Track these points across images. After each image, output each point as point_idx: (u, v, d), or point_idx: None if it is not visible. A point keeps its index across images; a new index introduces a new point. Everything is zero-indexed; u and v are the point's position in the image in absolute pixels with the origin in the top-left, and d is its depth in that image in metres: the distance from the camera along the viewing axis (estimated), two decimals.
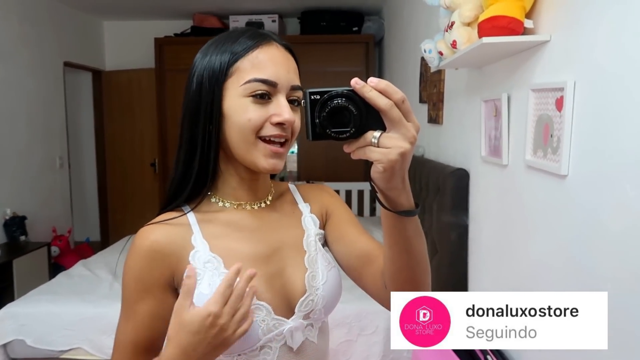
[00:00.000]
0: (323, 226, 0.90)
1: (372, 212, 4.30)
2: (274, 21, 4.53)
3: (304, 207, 0.90)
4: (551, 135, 1.26)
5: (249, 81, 0.73)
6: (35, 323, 2.20)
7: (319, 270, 0.83)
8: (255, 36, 0.76)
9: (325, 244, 0.91)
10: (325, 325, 0.88)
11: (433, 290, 0.76)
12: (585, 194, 1.13)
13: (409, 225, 0.67)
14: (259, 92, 0.73)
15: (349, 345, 2.18)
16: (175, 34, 4.74)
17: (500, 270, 1.67)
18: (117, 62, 5.19)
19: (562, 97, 1.19)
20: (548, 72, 1.30)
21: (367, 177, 4.47)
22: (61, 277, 2.70)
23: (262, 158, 0.75)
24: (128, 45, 5.17)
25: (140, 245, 0.76)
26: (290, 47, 0.81)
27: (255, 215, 0.84)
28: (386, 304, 0.78)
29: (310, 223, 0.88)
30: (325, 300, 0.82)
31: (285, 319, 0.79)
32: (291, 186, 0.94)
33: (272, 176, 0.91)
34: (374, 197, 0.68)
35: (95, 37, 5.09)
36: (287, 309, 0.80)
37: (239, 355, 0.77)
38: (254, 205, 0.84)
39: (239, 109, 0.74)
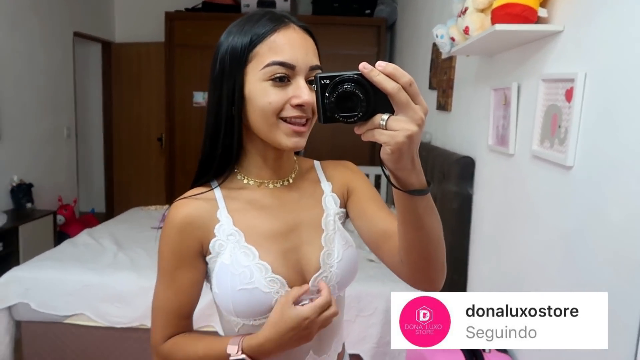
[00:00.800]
0: (344, 203, 0.94)
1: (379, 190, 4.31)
2: (285, 0, 4.49)
3: (325, 186, 0.94)
4: (559, 126, 1.26)
5: (267, 65, 0.76)
6: (40, 288, 2.24)
7: (334, 249, 0.87)
8: (274, 19, 0.79)
9: (346, 220, 0.94)
10: (341, 299, 0.91)
11: None
12: (589, 186, 1.13)
13: (419, 204, 0.68)
14: (278, 75, 0.76)
15: (346, 325, 2.21)
16: (187, 9, 4.70)
17: (500, 258, 1.69)
18: (127, 34, 5.17)
19: (572, 88, 1.19)
20: (559, 62, 1.29)
21: (372, 162, 4.49)
22: (66, 244, 2.74)
23: (284, 137, 0.79)
24: (138, 18, 5.13)
25: (174, 218, 0.82)
26: (308, 28, 0.83)
27: (276, 194, 0.88)
28: (403, 277, 0.82)
29: (330, 202, 0.92)
30: (339, 277, 0.86)
31: None
32: (316, 163, 0.98)
33: (297, 153, 0.96)
34: (379, 182, 0.69)
35: (105, 8, 5.06)
36: (301, 283, 0.84)
37: (255, 320, 0.82)
38: (277, 183, 0.89)
39: (259, 93, 0.77)
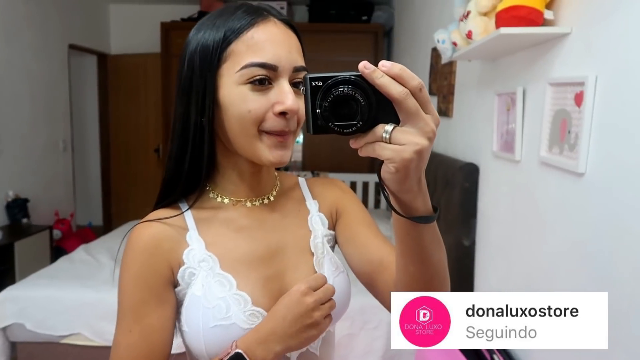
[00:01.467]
0: (333, 226, 0.83)
1: (377, 204, 4.27)
2: (282, 8, 4.46)
3: (311, 205, 0.83)
4: (569, 132, 1.22)
5: (245, 66, 0.65)
6: (35, 307, 2.19)
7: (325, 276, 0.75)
8: (251, 12, 0.68)
9: (334, 245, 0.84)
10: (331, 335, 0.81)
11: None
12: (603, 193, 1.09)
13: (425, 233, 0.59)
14: (257, 78, 0.65)
15: (350, 338, 2.15)
16: (182, 19, 4.68)
17: (508, 269, 1.64)
18: (122, 46, 5.15)
19: (582, 92, 1.14)
20: (568, 66, 1.25)
21: (372, 169, 4.44)
22: (62, 261, 2.68)
23: (266, 150, 0.68)
24: (134, 29, 5.11)
25: (137, 241, 0.70)
26: (290, 22, 0.72)
27: (255, 214, 0.77)
28: None
29: (317, 223, 0.81)
30: None
31: None
32: (300, 180, 0.87)
33: (278, 168, 0.83)
34: (381, 193, 0.62)
35: (101, 20, 5.04)
36: None
37: None
38: (255, 201, 0.78)
39: (236, 99, 0.66)
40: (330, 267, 0.77)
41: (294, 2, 4.77)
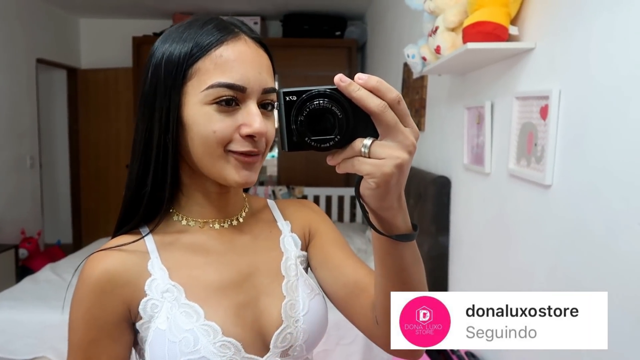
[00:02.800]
0: (306, 247, 0.80)
1: (352, 217, 4.27)
2: (255, 23, 4.47)
3: (283, 226, 0.79)
4: (535, 144, 1.24)
5: (211, 86, 0.61)
6: None
7: (299, 299, 0.72)
8: (221, 28, 0.64)
9: (307, 268, 0.80)
10: None
11: None
12: (569, 204, 1.10)
13: (405, 252, 0.57)
14: (224, 99, 0.62)
15: (326, 355, 2.12)
16: (154, 33, 4.65)
17: (480, 280, 1.65)
18: (93, 60, 5.06)
19: (547, 105, 1.17)
20: (533, 80, 1.28)
21: (348, 183, 4.46)
22: (26, 282, 2.58)
23: (232, 171, 0.64)
24: (105, 44, 5.04)
25: (89, 276, 0.65)
26: (262, 40, 0.69)
27: (224, 236, 0.73)
28: (378, 341, 0.69)
29: (290, 244, 0.77)
30: (307, 334, 0.71)
31: (258, 358, 0.68)
32: (270, 202, 0.83)
33: (246, 189, 0.80)
34: (355, 205, 0.61)
35: (71, 34, 4.95)
36: (261, 346, 0.68)
37: None
38: (223, 223, 0.73)
39: (201, 119, 0.62)
40: (305, 290, 0.73)
41: (268, 17, 4.79)
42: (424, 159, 2.39)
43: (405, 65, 2.74)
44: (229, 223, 0.74)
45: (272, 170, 4.73)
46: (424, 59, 1.68)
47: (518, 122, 1.33)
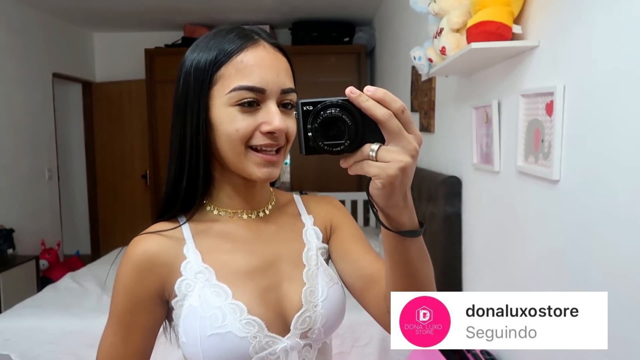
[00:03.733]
0: (327, 240, 0.86)
1: (366, 222, 4.28)
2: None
3: (306, 219, 0.85)
4: (542, 141, 1.25)
5: (234, 89, 0.69)
6: (20, 337, 2.14)
7: (318, 286, 0.78)
8: (242, 36, 0.71)
9: (329, 259, 0.86)
10: (327, 347, 0.82)
11: None
12: (577, 199, 1.11)
13: (412, 247, 0.62)
14: (246, 100, 0.69)
15: (341, 357, 2.14)
16: (166, 45, 4.73)
17: (494, 278, 1.65)
18: (107, 73, 5.17)
19: (552, 101, 1.18)
20: (537, 77, 1.29)
21: (360, 187, 4.47)
22: (47, 290, 2.64)
23: (254, 167, 0.71)
24: (118, 57, 5.15)
25: (132, 255, 0.73)
26: (280, 45, 0.76)
27: (251, 226, 0.80)
28: (389, 329, 0.73)
29: (312, 236, 0.83)
30: (325, 318, 0.76)
31: (279, 337, 0.73)
32: (296, 197, 0.90)
33: (272, 184, 0.88)
34: (368, 209, 0.65)
35: (85, 48, 5.07)
36: (282, 326, 0.74)
37: None
38: (251, 214, 0.80)
39: (225, 119, 0.70)
40: (324, 278, 0.79)
41: (277, 25, 4.85)
42: (434, 160, 2.41)
43: (414, 68, 2.76)
44: (256, 214, 0.81)
45: (286, 177, 4.77)
46: (430, 60, 1.70)
47: (525, 120, 1.35)
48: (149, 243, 0.74)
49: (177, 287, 0.73)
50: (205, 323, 0.70)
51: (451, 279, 1.96)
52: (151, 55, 4.60)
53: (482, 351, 1.59)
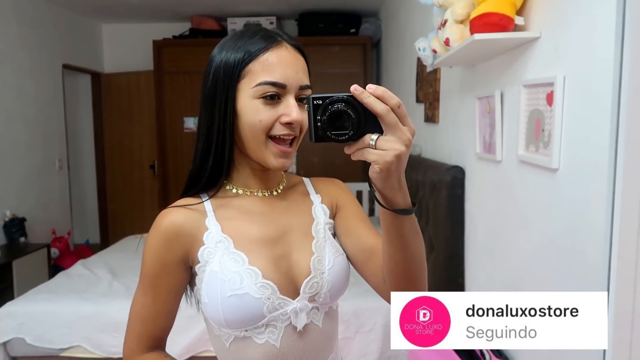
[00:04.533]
0: (333, 217, 0.94)
1: (371, 212, 4.32)
2: (271, 23, 4.55)
3: (315, 198, 0.94)
4: (542, 130, 1.28)
5: (259, 84, 0.77)
6: (34, 322, 2.21)
7: (325, 256, 0.86)
8: (267, 38, 0.80)
9: (334, 235, 0.94)
10: (333, 312, 0.90)
11: (430, 286, 0.80)
12: (575, 187, 1.14)
13: (405, 223, 0.71)
14: (269, 94, 0.78)
15: (346, 342, 2.19)
16: (174, 36, 4.76)
17: (495, 265, 1.69)
18: (115, 64, 5.21)
19: (552, 92, 1.21)
20: (539, 67, 1.32)
21: (364, 178, 4.51)
22: (60, 276, 2.71)
23: (271, 157, 0.80)
24: (127, 48, 5.19)
25: (159, 225, 0.82)
26: (299, 46, 0.85)
27: (266, 202, 0.89)
28: (385, 297, 0.83)
29: (320, 212, 0.92)
30: (331, 284, 0.85)
31: (290, 300, 0.82)
32: (305, 179, 0.99)
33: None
34: (372, 198, 0.71)
35: (94, 39, 5.11)
36: (292, 291, 0.83)
37: (246, 330, 0.81)
38: (265, 192, 0.89)
39: (250, 110, 0.78)
40: (331, 249, 0.88)
41: (283, 17, 4.86)
42: (438, 150, 2.44)
43: (419, 59, 2.78)
44: (269, 193, 0.90)
45: (292, 168, 4.81)
46: (434, 51, 1.73)
47: (526, 109, 1.38)
48: (176, 215, 0.83)
49: (200, 254, 0.82)
50: (225, 286, 0.79)
51: (453, 265, 2.00)
52: (159, 46, 4.63)
53: (493, 351, 1.60)
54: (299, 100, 0.81)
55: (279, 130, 0.79)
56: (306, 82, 0.82)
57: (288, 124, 0.79)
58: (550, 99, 1.23)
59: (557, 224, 1.23)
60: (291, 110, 0.78)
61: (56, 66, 4.40)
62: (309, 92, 0.82)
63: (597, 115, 1.04)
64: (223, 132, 0.81)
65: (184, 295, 0.87)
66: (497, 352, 1.60)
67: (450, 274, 2.00)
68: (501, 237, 1.63)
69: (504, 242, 1.61)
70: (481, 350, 1.61)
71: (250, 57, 0.79)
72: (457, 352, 1.63)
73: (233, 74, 0.79)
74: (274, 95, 0.78)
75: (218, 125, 0.81)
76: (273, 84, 0.78)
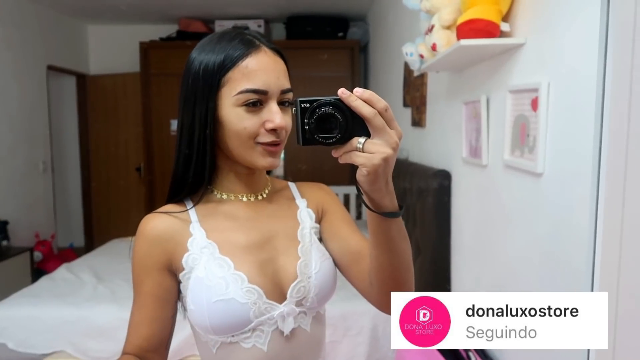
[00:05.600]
0: (319, 221, 0.94)
1: (359, 216, 4.32)
2: (259, 26, 4.56)
3: (300, 202, 0.94)
4: (527, 135, 1.30)
5: (241, 92, 0.77)
6: (17, 326, 2.17)
7: (312, 260, 0.86)
8: (246, 43, 0.80)
9: (320, 240, 0.94)
10: (321, 316, 0.90)
11: (417, 290, 0.79)
12: (559, 191, 1.16)
13: (392, 226, 0.71)
14: (251, 101, 0.77)
15: (333, 346, 2.19)
16: (161, 38, 4.73)
17: (481, 268, 1.71)
18: (101, 66, 5.16)
19: (537, 97, 1.23)
20: (524, 73, 1.34)
21: (351, 182, 4.52)
22: (43, 280, 2.67)
23: (260, 158, 0.80)
24: (113, 50, 5.14)
25: (142, 230, 0.82)
26: (279, 50, 0.84)
27: (251, 207, 0.88)
28: (371, 301, 0.83)
29: (306, 216, 0.92)
30: (318, 288, 0.85)
31: (277, 304, 0.82)
32: (290, 184, 0.99)
33: (268, 172, 0.96)
34: (359, 202, 0.71)
35: (79, 41, 5.06)
36: (279, 295, 0.82)
37: (232, 336, 0.80)
38: (250, 197, 0.89)
39: (234, 118, 0.78)
40: (317, 253, 0.87)
41: (271, 20, 4.86)
42: (425, 154, 2.45)
43: (406, 64, 2.79)
44: (254, 197, 0.90)
45: (279, 171, 4.80)
46: (421, 56, 1.75)
47: (512, 115, 1.39)
48: (158, 220, 0.83)
49: (185, 261, 0.82)
50: (211, 291, 0.78)
51: (440, 268, 2.01)
52: (146, 48, 4.60)
53: (477, 351, 1.61)
54: (281, 103, 0.81)
55: (264, 138, 0.79)
56: (287, 85, 0.82)
57: (272, 130, 0.79)
58: (535, 104, 1.25)
59: (541, 227, 1.25)
60: (274, 117, 0.78)
61: (41, 67, 4.35)
62: (290, 95, 0.82)
63: (581, 120, 1.06)
64: (204, 140, 0.80)
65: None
66: (482, 353, 1.62)
67: (437, 277, 2.01)
68: (487, 240, 1.64)
69: (490, 245, 1.62)
70: (466, 351, 1.62)
71: (231, 64, 0.78)
72: (442, 352, 1.64)
73: (213, 83, 0.78)
74: (256, 102, 0.78)
75: (199, 134, 0.80)
76: (254, 91, 0.77)
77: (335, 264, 0.89)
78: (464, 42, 1.33)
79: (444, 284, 2.02)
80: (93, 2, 4.30)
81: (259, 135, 0.79)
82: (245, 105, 0.77)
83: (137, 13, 4.66)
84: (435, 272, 2.01)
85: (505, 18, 1.37)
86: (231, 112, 0.78)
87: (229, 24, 4.53)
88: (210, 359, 0.84)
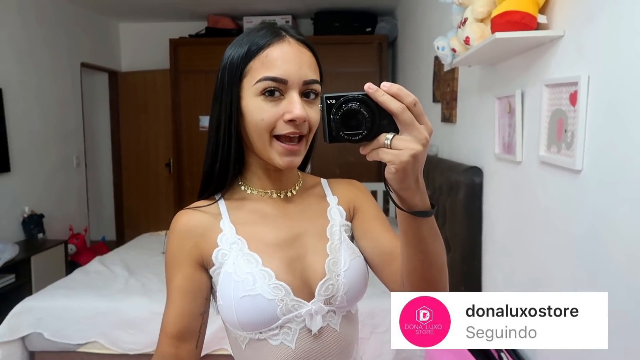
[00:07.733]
0: (350, 219, 0.92)
1: (386, 212, 4.30)
2: (287, 22, 4.55)
3: (331, 199, 0.92)
4: (565, 130, 1.26)
5: (259, 80, 0.76)
6: (52, 317, 2.24)
7: (341, 258, 0.84)
8: (268, 34, 0.78)
9: (352, 237, 0.91)
10: (352, 316, 0.88)
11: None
12: (599, 189, 1.12)
13: (423, 226, 0.68)
14: (268, 89, 0.75)
15: (361, 343, 2.17)
16: (190, 35, 4.79)
17: (514, 266, 1.67)
18: (132, 63, 5.27)
19: (576, 91, 1.18)
20: (562, 67, 1.29)
21: (379, 178, 4.50)
22: (77, 272, 2.74)
23: (277, 156, 0.78)
24: (143, 47, 5.24)
25: (174, 226, 0.83)
26: (305, 41, 0.81)
27: (279, 204, 0.87)
28: None
29: (336, 214, 0.90)
30: (347, 287, 0.82)
31: (305, 302, 0.80)
32: (322, 180, 0.97)
33: (302, 168, 0.94)
34: (388, 200, 0.69)
35: (111, 38, 5.17)
36: (307, 293, 0.81)
37: (260, 332, 0.79)
38: (280, 194, 0.88)
39: (253, 109, 0.77)
40: (347, 251, 0.85)
41: (299, 15, 4.86)
42: (455, 150, 2.41)
43: (436, 58, 2.76)
44: (284, 194, 0.89)
45: (307, 168, 4.80)
46: (453, 50, 1.71)
47: (548, 110, 1.35)
48: (189, 216, 0.83)
49: (215, 256, 0.82)
50: (238, 286, 0.78)
51: (471, 267, 1.97)
52: (175, 45, 4.66)
53: (509, 351, 1.57)
54: (305, 95, 0.78)
55: (283, 129, 0.76)
56: (312, 76, 0.78)
57: (291, 121, 0.76)
58: (573, 99, 1.20)
59: (579, 226, 1.21)
60: (294, 107, 0.75)
61: (75, 65, 4.46)
62: (316, 86, 0.79)
63: (624, 115, 1.02)
64: (229, 133, 0.80)
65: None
66: (513, 353, 1.58)
67: (467, 275, 1.98)
68: (520, 239, 1.60)
69: (522, 243, 1.58)
70: (497, 350, 1.59)
71: (252, 54, 0.77)
72: (472, 352, 1.61)
73: (236, 73, 0.78)
74: (273, 90, 0.75)
75: (224, 126, 0.80)
76: (272, 79, 0.75)
77: (367, 263, 0.87)
78: (499, 35, 1.29)
79: (475, 282, 1.98)
80: (125, 0, 4.38)
81: (276, 127, 0.76)
82: (264, 94, 0.76)
83: (167, 10, 4.73)
84: (466, 271, 1.98)
85: (542, 10, 1.33)
86: (251, 102, 0.77)
87: (257, 20, 4.55)
88: (240, 355, 0.84)
